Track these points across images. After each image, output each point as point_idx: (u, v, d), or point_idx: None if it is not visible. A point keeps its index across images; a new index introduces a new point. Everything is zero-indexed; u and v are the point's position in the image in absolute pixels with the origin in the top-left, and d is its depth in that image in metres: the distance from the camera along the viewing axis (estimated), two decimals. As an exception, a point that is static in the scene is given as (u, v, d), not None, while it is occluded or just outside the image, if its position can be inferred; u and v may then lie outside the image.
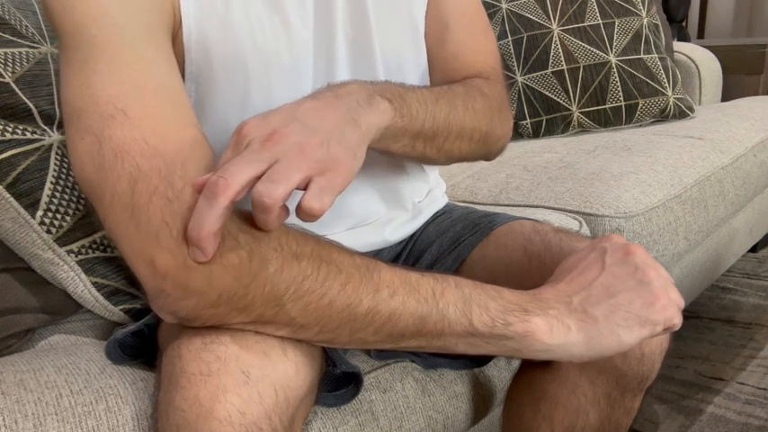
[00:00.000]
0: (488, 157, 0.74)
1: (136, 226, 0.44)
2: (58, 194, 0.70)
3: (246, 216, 0.46)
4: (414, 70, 0.72)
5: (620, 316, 0.50)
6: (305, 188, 0.43)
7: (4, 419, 0.53)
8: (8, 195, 0.68)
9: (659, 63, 1.52)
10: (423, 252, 0.77)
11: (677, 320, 0.51)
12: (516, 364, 0.76)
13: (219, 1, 0.57)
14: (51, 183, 0.70)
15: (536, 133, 1.60)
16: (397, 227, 0.76)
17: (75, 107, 0.48)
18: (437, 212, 0.82)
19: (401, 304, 0.47)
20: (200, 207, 0.41)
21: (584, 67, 1.51)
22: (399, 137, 0.57)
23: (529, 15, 1.55)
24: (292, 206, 0.44)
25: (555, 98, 1.54)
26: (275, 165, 0.42)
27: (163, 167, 0.45)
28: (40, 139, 0.70)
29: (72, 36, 0.49)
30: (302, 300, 0.45)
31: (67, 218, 0.71)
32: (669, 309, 0.51)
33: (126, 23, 0.49)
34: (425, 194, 0.82)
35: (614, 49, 1.51)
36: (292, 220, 0.47)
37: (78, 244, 0.72)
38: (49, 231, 0.70)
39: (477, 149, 0.69)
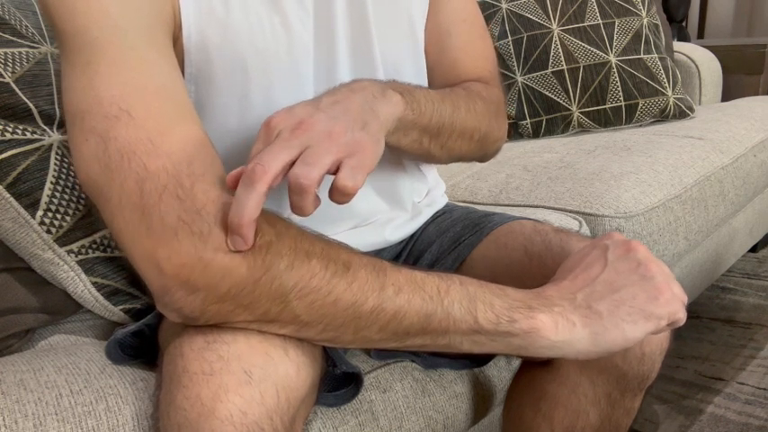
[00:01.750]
0: (484, 158, 0.75)
1: (148, 226, 0.45)
2: (58, 194, 0.70)
3: (268, 212, 0.47)
4: (412, 74, 0.72)
5: (624, 311, 0.50)
6: (335, 172, 0.45)
7: (4, 419, 0.53)
8: (8, 195, 0.67)
9: (659, 63, 1.52)
10: (423, 252, 0.77)
11: (681, 315, 0.51)
12: (516, 363, 0.76)
13: (219, 3, 0.57)
14: (51, 183, 0.70)
15: (536, 133, 1.60)
16: (397, 227, 0.76)
17: (78, 109, 0.48)
18: (437, 212, 0.82)
19: (406, 302, 0.48)
20: (240, 195, 0.42)
21: (584, 67, 1.51)
22: (410, 130, 0.58)
23: (529, 15, 1.55)
24: (323, 197, 0.46)
25: (555, 98, 1.54)
26: (307, 150, 0.44)
27: (169, 167, 0.46)
28: (40, 139, 0.70)
29: (73, 38, 0.49)
30: (308, 297, 0.45)
31: (67, 218, 0.71)
32: (673, 303, 0.51)
33: (127, 25, 0.49)
34: (425, 195, 0.82)
35: (614, 49, 1.51)
36: (297, 219, 0.47)
37: (78, 244, 0.72)
38: (49, 231, 0.70)
39: (476, 149, 0.70)
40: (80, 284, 0.73)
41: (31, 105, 0.70)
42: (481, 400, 0.77)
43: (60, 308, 0.76)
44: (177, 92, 0.50)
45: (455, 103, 0.64)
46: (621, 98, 1.51)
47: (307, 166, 0.43)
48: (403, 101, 0.56)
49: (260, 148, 0.46)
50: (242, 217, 0.42)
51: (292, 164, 0.44)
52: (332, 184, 0.45)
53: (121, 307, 0.75)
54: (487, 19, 1.59)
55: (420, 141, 0.61)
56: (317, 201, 0.45)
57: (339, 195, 0.45)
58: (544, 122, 1.58)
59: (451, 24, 0.74)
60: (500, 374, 0.79)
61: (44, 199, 0.69)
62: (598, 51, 1.51)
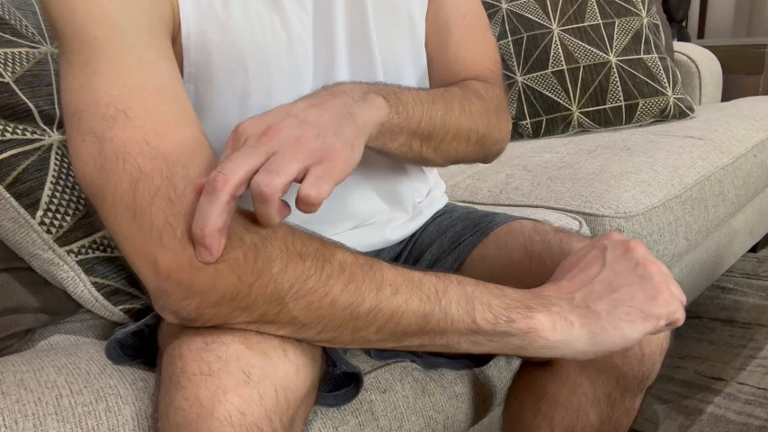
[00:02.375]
0: (485, 159, 0.74)
1: (139, 227, 0.44)
2: (58, 194, 0.70)
3: (253, 217, 0.46)
4: (412, 73, 0.72)
5: (622, 311, 0.50)
6: (302, 180, 0.43)
7: (4, 419, 0.53)
8: (8, 195, 0.67)
9: (659, 63, 1.52)
10: (423, 252, 0.77)
11: (680, 315, 0.51)
12: (516, 364, 0.76)
13: (219, 2, 0.57)
14: (51, 183, 0.70)
15: (536, 133, 1.60)
16: (398, 227, 0.76)
17: (76, 108, 0.48)
18: (437, 212, 0.82)
19: (404, 302, 0.47)
20: (202, 205, 0.41)
21: (584, 67, 1.51)
22: (396, 134, 0.57)
23: (529, 15, 1.55)
24: (293, 204, 0.44)
25: (555, 98, 1.54)
26: (272, 156, 0.42)
27: (164, 168, 0.45)
28: (40, 139, 0.70)
29: (72, 38, 0.49)
30: (305, 299, 0.45)
31: (67, 218, 0.71)
32: (672, 302, 0.51)
33: (126, 25, 0.49)
34: (425, 195, 0.82)
35: (614, 49, 1.51)
36: (298, 221, 0.47)
37: (78, 244, 0.72)
38: (49, 231, 0.70)
39: (475, 151, 0.69)
40: (80, 284, 0.73)
41: (31, 105, 0.70)
42: (481, 400, 0.77)
43: (60, 308, 0.76)
44: (176, 92, 0.50)
45: (448, 103, 0.62)
46: (621, 98, 1.51)
47: (269, 174, 0.41)
48: (386, 104, 0.54)
49: (227, 155, 0.44)
50: (204, 227, 0.41)
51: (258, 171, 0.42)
52: (296, 194, 0.43)
53: (121, 307, 0.75)
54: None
55: (410, 145, 0.59)
56: (285, 209, 0.44)
57: (303, 205, 0.42)
58: (544, 122, 1.58)
59: (451, 19, 0.72)
60: (500, 374, 0.79)
61: (44, 199, 0.69)
62: (598, 51, 1.51)
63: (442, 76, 0.73)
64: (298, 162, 0.42)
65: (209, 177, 0.41)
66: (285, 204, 0.44)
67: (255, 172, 0.42)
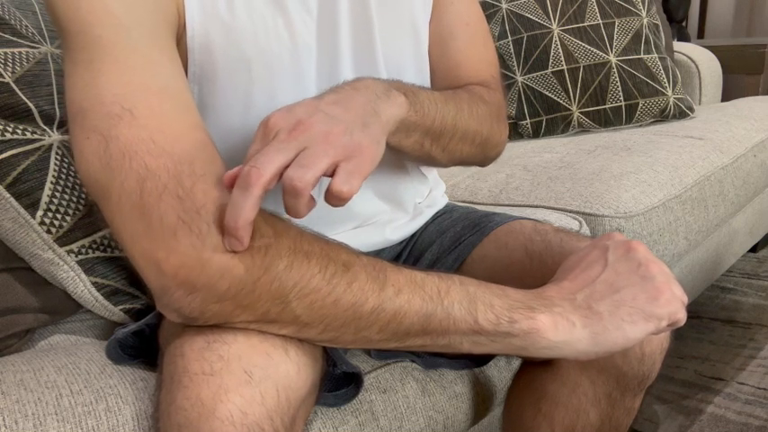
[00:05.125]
0: (484, 162, 0.75)
1: (147, 225, 0.45)
2: (58, 194, 0.70)
3: (267, 213, 0.47)
4: (414, 77, 0.72)
5: (624, 311, 0.50)
6: (331, 175, 0.44)
7: (4, 419, 0.53)
8: (8, 195, 0.67)
9: (659, 63, 1.52)
10: (423, 252, 0.77)
11: (681, 315, 0.51)
12: (516, 363, 0.76)
13: (223, 3, 0.57)
14: (51, 183, 0.70)
15: (536, 133, 1.60)
16: (398, 227, 0.76)
17: (80, 107, 0.48)
18: (437, 212, 0.83)
19: (406, 302, 0.48)
20: (236, 198, 0.42)
21: (584, 67, 1.51)
22: (412, 132, 0.58)
23: (529, 15, 1.55)
24: (318, 199, 0.45)
25: (555, 98, 1.54)
26: (303, 152, 0.44)
27: (170, 166, 0.46)
28: (40, 139, 0.70)
29: (77, 36, 0.49)
30: (308, 297, 0.45)
31: (67, 218, 0.71)
32: (673, 303, 0.51)
33: (131, 24, 0.49)
34: (426, 195, 0.82)
35: (614, 49, 1.51)
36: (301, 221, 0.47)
37: (78, 244, 0.72)
38: (49, 231, 0.70)
39: (476, 153, 0.70)
40: (80, 284, 0.73)
41: (31, 105, 0.70)
42: (481, 400, 0.77)
43: (60, 308, 0.76)
44: (180, 93, 0.50)
45: (458, 105, 0.64)
46: (621, 98, 1.51)
47: (301, 169, 0.42)
48: (407, 102, 0.55)
49: (257, 148, 0.45)
50: (237, 220, 0.42)
51: (289, 165, 0.43)
52: (327, 189, 0.44)
53: (121, 307, 0.75)
54: (487, 19, 1.59)
55: (422, 143, 0.61)
56: (312, 203, 0.45)
57: (334, 200, 0.44)
58: (544, 122, 1.58)
59: (454, 27, 0.73)
60: (500, 374, 0.79)
61: (44, 199, 0.69)
62: (598, 51, 1.51)
63: (444, 81, 0.74)
64: (328, 157, 0.44)
65: (242, 171, 0.42)
66: (311, 198, 0.45)
67: (286, 166, 0.43)
